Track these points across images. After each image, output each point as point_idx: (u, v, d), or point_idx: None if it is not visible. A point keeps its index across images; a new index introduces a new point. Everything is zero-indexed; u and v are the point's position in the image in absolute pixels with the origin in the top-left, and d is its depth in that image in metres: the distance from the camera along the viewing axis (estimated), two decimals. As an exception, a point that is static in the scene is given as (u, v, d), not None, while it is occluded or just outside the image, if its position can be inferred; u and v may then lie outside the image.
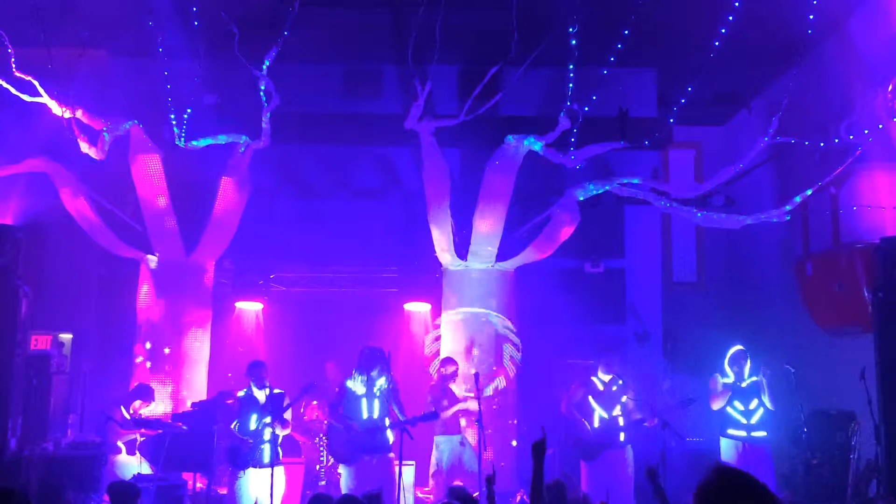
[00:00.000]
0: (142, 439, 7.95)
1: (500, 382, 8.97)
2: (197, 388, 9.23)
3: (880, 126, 7.45)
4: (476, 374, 7.85)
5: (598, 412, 7.50)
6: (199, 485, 7.95)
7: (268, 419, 7.03)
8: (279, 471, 7.03)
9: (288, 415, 7.19)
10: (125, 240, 9.15)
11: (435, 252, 9.28)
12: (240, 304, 10.19)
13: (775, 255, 9.83)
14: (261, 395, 7.14)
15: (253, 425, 7.07)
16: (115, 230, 9.09)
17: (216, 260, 9.59)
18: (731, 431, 7.52)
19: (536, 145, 8.56)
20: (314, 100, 9.51)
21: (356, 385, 7.16)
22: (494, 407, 8.77)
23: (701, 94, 8.16)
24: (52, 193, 8.72)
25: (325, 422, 8.15)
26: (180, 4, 7.45)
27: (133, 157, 8.86)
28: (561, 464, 8.64)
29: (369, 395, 7.15)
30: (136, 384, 8.71)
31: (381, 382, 7.18)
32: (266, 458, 7.01)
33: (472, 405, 7.73)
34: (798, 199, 7.98)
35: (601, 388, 7.57)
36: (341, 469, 7.19)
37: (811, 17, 6.99)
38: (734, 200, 10.27)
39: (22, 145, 8.51)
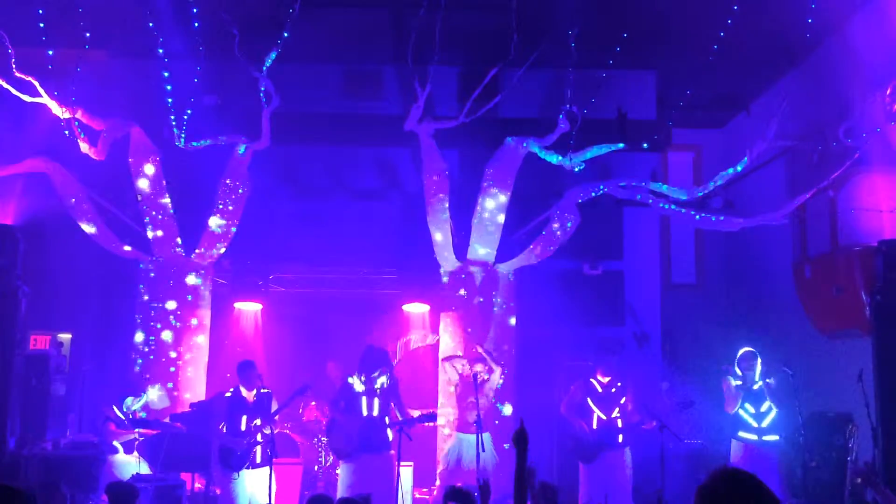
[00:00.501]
0: (140, 439, 7.96)
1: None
2: (196, 388, 9.24)
3: (878, 129, 7.47)
4: (475, 375, 7.86)
5: (597, 414, 7.50)
6: (197, 485, 7.95)
7: (258, 421, 7.05)
8: (273, 469, 7.04)
9: (276, 417, 7.21)
10: (124, 240, 9.16)
11: (434, 253, 9.29)
12: (239, 305, 10.19)
13: (774, 258, 9.84)
14: (249, 396, 7.16)
15: (243, 426, 7.09)
16: (114, 230, 9.10)
17: (215, 260, 9.60)
18: (741, 434, 7.50)
19: (535, 147, 8.58)
20: (314, 100, 9.52)
21: (357, 382, 7.19)
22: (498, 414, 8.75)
23: (700, 97, 8.20)
24: (51, 194, 8.72)
25: (325, 421, 8.17)
26: (180, 5, 7.46)
27: (133, 157, 8.87)
28: (559, 465, 8.66)
29: (369, 392, 7.17)
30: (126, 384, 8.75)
31: (383, 381, 7.21)
32: (258, 459, 7.05)
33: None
34: (797, 201, 8.00)
35: (600, 389, 7.58)
36: (341, 466, 7.21)
37: (810, 20, 7.01)
38: (733, 203, 10.29)
39: (22, 145, 8.52)
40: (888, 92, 7.45)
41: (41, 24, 7.25)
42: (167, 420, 8.28)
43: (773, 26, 7.84)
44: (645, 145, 8.64)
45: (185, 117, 8.30)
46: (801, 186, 8.18)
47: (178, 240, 9.17)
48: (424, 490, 8.74)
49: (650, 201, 8.83)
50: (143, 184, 8.92)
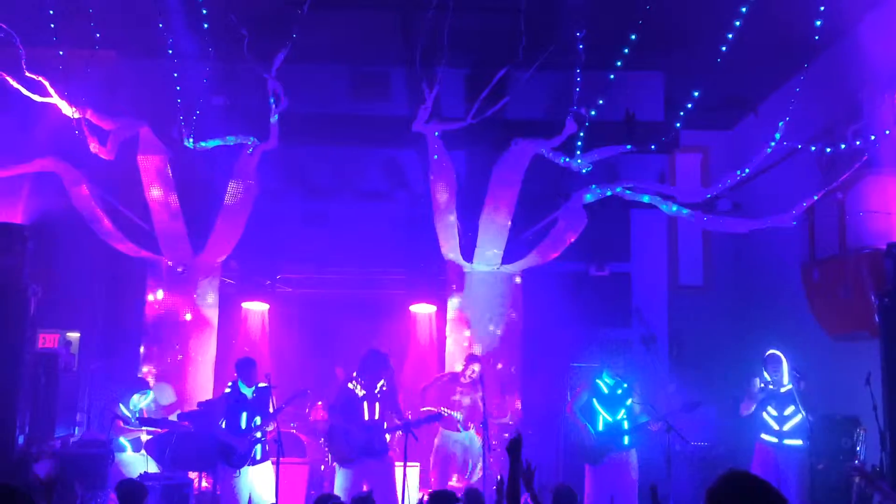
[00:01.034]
0: (148, 437, 7.99)
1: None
2: (203, 387, 9.28)
3: (887, 132, 7.44)
4: (481, 375, 7.86)
5: (603, 415, 7.49)
6: (204, 484, 7.98)
7: (258, 419, 7.09)
8: (271, 465, 7.07)
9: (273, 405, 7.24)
10: (133, 240, 9.20)
11: (441, 254, 9.30)
12: (246, 305, 10.23)
13: (782, 260, 9.82)
14: (248, 392, 7.19)
15: (243, 423, 7.13)
16: (123, 230, 9.14)
17: (223, 260, 9.64)
18: (763, 437, 7.49)
19: (543, 148, 8.58)
20: (322, 101, 9.55)
21: (357, 387, 7.20)
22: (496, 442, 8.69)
23: (708, 99, 8.15)
24: (61, 193, 8.77)
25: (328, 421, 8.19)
26: (190, 6, 7.49)
27: (142, 157, 8.92)
28: (565, 466, 8.65)
29: (370, 397, 7.18)
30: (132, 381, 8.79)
31: (382, 384, 7.23)
32: (258, 455, 7.08)
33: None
34: (805, 204, 7.97)
35: (606, 391, 7.57)
36: (338, 470, 7.22)
37: (819, 22, 6.99)
38: (741, 205, 10.26)
39: (31, 145, 8.57)
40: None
41: (51, 25, 7.29)
42: (174, 419, 8.31)
43: (781, 27, 7.82)
44: (652, 147, 8.62)
45: (194, 117, 8.34)
46: (809, 189, 8.16)
47: (187, 239, 9.21)
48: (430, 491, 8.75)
49: (657, 203, 8.82)
50: (151, 184, 8.97)
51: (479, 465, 8.14)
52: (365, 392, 7.18)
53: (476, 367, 8.30)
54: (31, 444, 7.91)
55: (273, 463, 7.07)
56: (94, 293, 10.08)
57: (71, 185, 8.76)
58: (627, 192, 8.72)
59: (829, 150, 7.91)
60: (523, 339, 9.35)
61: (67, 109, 8.10)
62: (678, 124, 8.47)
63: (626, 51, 7.49)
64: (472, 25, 8.05)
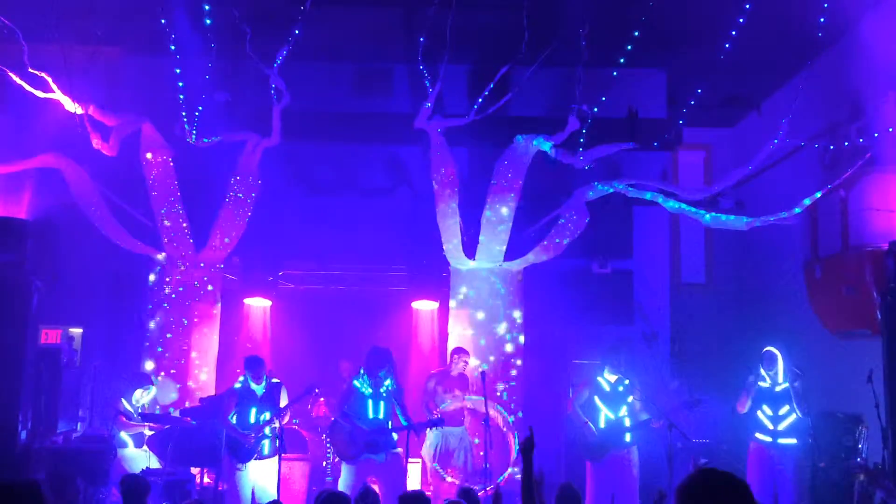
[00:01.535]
0: (150, 433, 8.01)
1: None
2: (205, 383, 9.30)
3: (890, 129, 7.43)
4: (483, 373, 7.87)
5: (604, 412, 7.49)
6: (206, 479, 8.00)
7: (267, 415, 7.10)
8: (277, 461, 7.09)
9: (284, 400, 7.27)
10: (136, 236, 9.22)
11: (443, 251, 9.31)
12: (248, 301, 10.24)
13: (784, 258, 9.81)
14: (258, 388, 7.21)
15: (252, 419, 7.15)
16: (125, 226, 9.16)
17: (225, 257, 9.65)
18: (758, 435, 7.45)
19: (545, 145, 8.58)
20: (325, 98, 9.55)
21: (364, 385, 7.21)
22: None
23: (711, 96, 8.16)
24: (64, 189, 8.78)
25: (332, 418, 8.20)
26: (193, 2, 7.49)
27: (144, 153, 8.92)
28: (567, 464, 8.65)
29: (375, 395, 7.18)
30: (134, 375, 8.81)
31: (388, 383, 7.23)
32: (266, 451, 7.10)
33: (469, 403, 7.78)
34: (807, 201, 7.97)
35: (607, 388, 7.57)
36: (343, 467, 7.23)
37: (822, 19, 6.98)
38: (743, 203, 10.25)
39: (34, 141, 8.58)
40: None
41: (54, 21, 7.30)
42: (177, 414, 8.33)
43: (784, 25, 7.80)
44: (655, 144, 8.61)
45: (197, 114, 8.34)
46: (812, 186, 8.15)
47: (189, 236, 9.22)
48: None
49: (660, 200, 8.82)
50: (153, 180, 8.97)
51: (471, 461, 8.20)
52: (372, 390, 7.18)
53: (462, 361, 8.32)
54: (34, 439, 7.93)
55: (275, 458, 7.09)
56: (96, 289, 10.10)
57: (73, 181, 8.77)
58: (630, 189, 8.72)
59: (831, 147, 7.91)
60: (525, 335, 9.35)
61: (70, 105, 8.11)
62: (681, 122, 8.47)
63: (629, 48, 7.48)
64: (475, 22, 8.05)
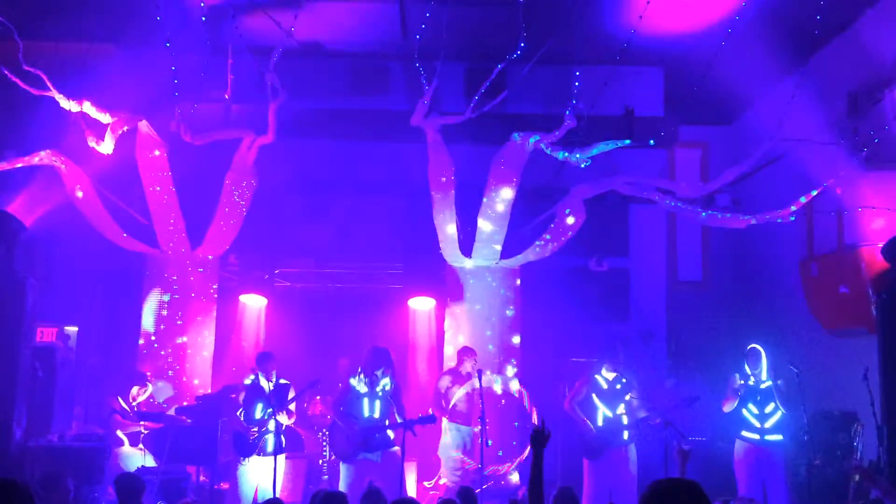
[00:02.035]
0: (145, 432, 7.99)
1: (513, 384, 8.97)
2: (201, 382, 9.28)
3: (886, 127, 7.43)
4: (479, 371, 7.87)
5: (602, 410, 7.49)
6: (202, 478, 7.98)
7: (271, 410, 7.12)
8: (281, 459, 7.13)
9: (292, 406, 7.31)
10: (131, 233, 9.19)
11: (440, 249, 9.29)
12: (244, 299, 10.22)
13: (780, 256, 9.82)
14: (267, 386, 7.24)
15: (258, 414, 7.18)
16: (121, 224, 9.13)
17: (221, 254, 9.63)
18: (745, 434, 7.43)
19: (542, 143, 8.56)
20: (321, 95, 9.52)
21: (360, 384, 7.21)
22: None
23: (708, 94, 8.15)
24: (59, 186, 8.75)
25: (329, 417, 8.21)
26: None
27: (140, 151, 8.89)
28: (564, 462, 8.65)
29: (372, 394, 7.19)
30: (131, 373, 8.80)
31: (385, 382, 7.23)
32: (269, 447, 7.11)
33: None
34: (803, 199, 7.97)
35: (605, 386, 7.57)
36: (341, 466, 7.24)
37: (819, 17, 6.98)
38: (740, 200, 10.25)
39: (30, 138, 8.54)
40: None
41: (49, 18, 7.27)
42: (172, 413, 8.31)
43: (780, 22, 7.80)
44: (652, 142, 8.61)
45: (192, 111, 8.31)
46: (808, 184, 8.15)
47: (185, 233, 9.20)
48: (428, 484, 8.76)
49: (656, 198, 8.82)
50: (149, 177, 8.94)
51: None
52: (368, 389, 7.18)
53: (471, 361, 8.33)
54: (29, 438, 7.90)
55: (278, 456, 7.11)
56: (92, 287, 10.07)
57: (69, 178, 8.74)
58: (626, 187, 8.72)
59: (828, 145, 7.91)
60: (522, 333, 9.34)
61: (65, 103, 8.08)
62: (677, 119, 8.47)
63: (626, 45, 7.48)
64: (472, 19, 8.03)
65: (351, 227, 10.11)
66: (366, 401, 7.19)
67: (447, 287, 9.50)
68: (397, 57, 9.23)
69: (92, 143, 8.24)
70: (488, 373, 8.59)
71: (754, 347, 7.48)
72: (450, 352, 9.25)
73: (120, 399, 8.15)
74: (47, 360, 8.57)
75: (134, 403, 8.27)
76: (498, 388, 8.71)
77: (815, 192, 7.94)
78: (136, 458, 7.98)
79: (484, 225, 8.99)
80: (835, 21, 7.59)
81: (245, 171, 9.09)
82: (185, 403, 8.78)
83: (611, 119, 8.92)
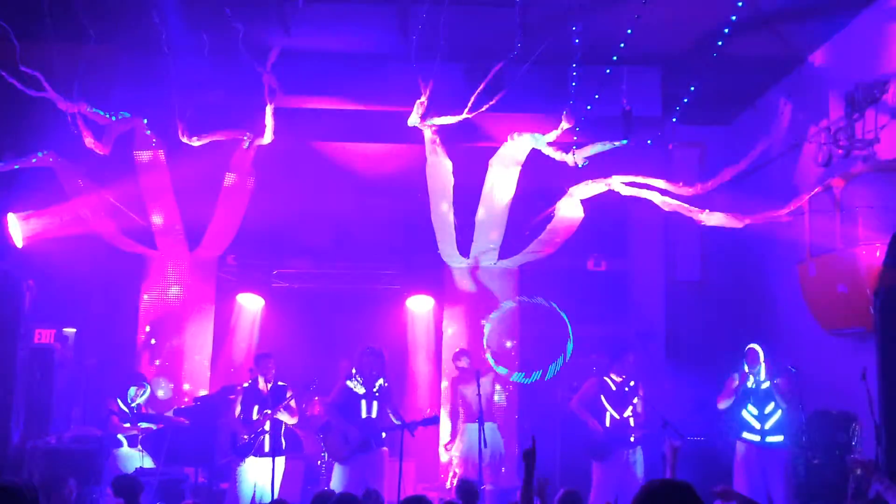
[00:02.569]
0: (140, 434, 7.99)
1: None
2: (199, 383, 9.27)
3: (883, 127, 7.43)
4: (477, 371, 7.87)
5: (610, 412, 7.50)
6: (200, 479, 7.98)
7: (268, 411, 7.11)
8: (279, 460, 7.11)
9: (293, 402, 7.30)
10: (129, 235, 9.18)
11: (438, 249, 9.29)
12: (242, 300, 10.21)
13: (779, 255, 9.81)
14: (265, 387, 7.23)
15: (255, 415, 7.16)
16: (119, 225, 9.12)
17: (219, 256, 9.62)
18: (745, 435, 7.42)
19: (539, 143, 8.56)
20: (318, 96, 9.51)
21: (356, 385, 7.20)
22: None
23: (705, 94, 8.14)
24: (57, 188, 8.74)
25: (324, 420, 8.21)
26: (185, 0, 7.46)
27: (137, 152, 8.88)
28: (563, 464, 8.66)
29: (368, 395, 7.19)
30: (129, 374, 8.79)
31: (380, 383, 7.23)
32: (266, 448, 7.10)
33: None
34: (802, 199, 7.97)
35: (614, 388, 7.57)
36: (336, 467, 7.23)
37: (817, 15, 6.98)
38: (738, 200, 10.23)
39: (27, 140, 8.54)
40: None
41: (46, 18, 7.26)
42: (171, 414, 8.30)
43: (778, 22, 7.79)
44: (649, 142, 8.60)
45: (189, 112, 8.31)
46: (806, 184, 8.15)
47: (183, 235, 9.19)
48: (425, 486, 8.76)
49: (654, 198, 8.81)
50: (147, 179, 8.94)
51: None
52: (364, 390, 7.18)
53: (463, 359, 8.34)
54: (27, 439, 7.89)
55: (277, 457, 7.11)
56: (90, 289, 10.06)
57: (66, 180, 8.74)
58: (624, 187, 8.71)
59: (826, 144, 7.90)
60: (520, 334, 9.33)
61: (63, 104, 8.07)
62: (675, 119, 8.46)
63: (623, 45, 7.47)
64: (469, 19, 8.02)
65: (349, 227, 10.12)
66: (363, 402, 7.19)
67: (445, 288, 9.50)
68: (394, 57, 9.22)
69: (89, 144, 8.24)
70: (491, 375, 8.57)
71: (753, 347, 7.47)
72: (448, 353, 9.25)
73: (119, 400, 8.15)
74: (45, 362, 8.56)
75: (133, 405, 8.26)
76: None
77: (814, 192, 7.94)
78: (134, 459, 7.98)
79: (482, 225, 8.99)
80: (833, 19, 7.59)
81: (243, 172, 9.08)
82: (185, 401, 8.79)
83: (608, 119, 8.91)
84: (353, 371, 7.26)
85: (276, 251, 10.27)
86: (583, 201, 8.88)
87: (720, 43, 7.20)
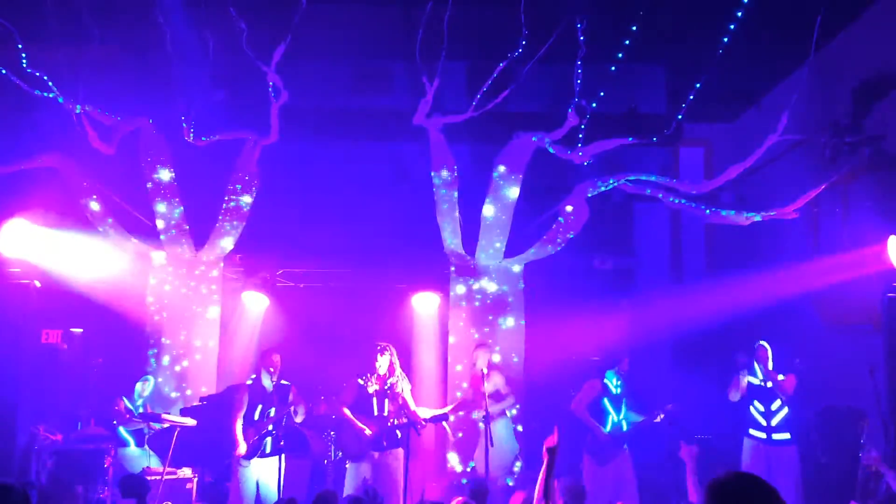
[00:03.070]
0: (150, 433, 8.00)
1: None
2: (206, 382, 9.28)
3: (889, 124, 7.40)
4: (481, 373, 7.86)
5: (612, 415, 7.49)
6: (206, 479, 7.99)
7: (272, 411, 7.10)
8: (285, 460, 7.09)
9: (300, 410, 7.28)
10: (135, 235, 9.20)
11: (444, 248, 9.28)
12: (247, 300, 10.22)
13: (785, 253, 9.78)
14: (269, 385, 7.21)
15: (256, 416, 7.14)
16: (125, 225, 9.14)
17: (225, 255, 9.63)
18: (752, 432, 7.44)
19: (545, 141, 8.55)
20: (323, 95, 9.52)
21: (368, 382, 7.19)
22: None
23: (711, 91, 8.11)
24: (63, 188, 8.76)
25: (334, 417, 8.20)
26: (190, 0, 7.48)
27: (143, 152, 8.90)
28: (562, 460, 8.62)
29: (380, 392, 7.18)
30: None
31: (393, 380, 7.22)
32: (268, 448, 7.09)
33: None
34: (809, 196, 7.94)
35: (615, 391, 7.56)
36: (349, 465, 7.22)
37: (823, 13, 6.94)
38: (744, 198, 10.21)
39: (33, 141, 8.56)
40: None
41: (51, 20, 7.28)
42: (177, 413, 8.31)
43: (784, 19, 7.77)
44: (655, 140, 8.58)
45: (195, 112, 8.32)
46: (813, 181, 8.12)
47: (189, 234, 9.21)
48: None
49: (660, 196, 8.79)
50: (152, 178, 8.95)
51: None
52: (377, 387, 7.18)
53: (480, 354, 8.31)
54: (34, 439, 7.92)
55: (280, 456, 7.10)
56: (96, 289, 10.07)
57: (72, 180, 8.75)
58: (630, 185, 8.69)
59: (833, 142, 7.87)
60: (526, 332, 9.32)
61: (68, 105, 8.09)
62: (680, 117, 8.44)
63: (628, 43, 7.46)
64: (473, 17, 8.01)
65: (354, 226, 10.10)
66: (375, 400, 7.18)
67: (451, 287, 9.48)
68: (399, 56, 9.22)
69: (95, 145, 8.25)
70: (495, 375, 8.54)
71: (761, 344, 7.47)
72: (453, 351, 9.24)
73: (125, 399, 8.16)
74: (52, 362, 8.58)
75: (139, 401, 8.27)
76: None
77: (820, 189, 7.91)
78: (141, 458, 7.99)
79: (487, 224, 8.98)
80: (839, 17, 7.56)
81: (248, 172, 9.09)
82: (191, 399, 8.80)
83: (613, 117, 8.90)
84: (365, 369, 7.24)
85: (282, 251, 10.26)
86: (588, 199, 8.86)
87: (725, 39, 7.17)
